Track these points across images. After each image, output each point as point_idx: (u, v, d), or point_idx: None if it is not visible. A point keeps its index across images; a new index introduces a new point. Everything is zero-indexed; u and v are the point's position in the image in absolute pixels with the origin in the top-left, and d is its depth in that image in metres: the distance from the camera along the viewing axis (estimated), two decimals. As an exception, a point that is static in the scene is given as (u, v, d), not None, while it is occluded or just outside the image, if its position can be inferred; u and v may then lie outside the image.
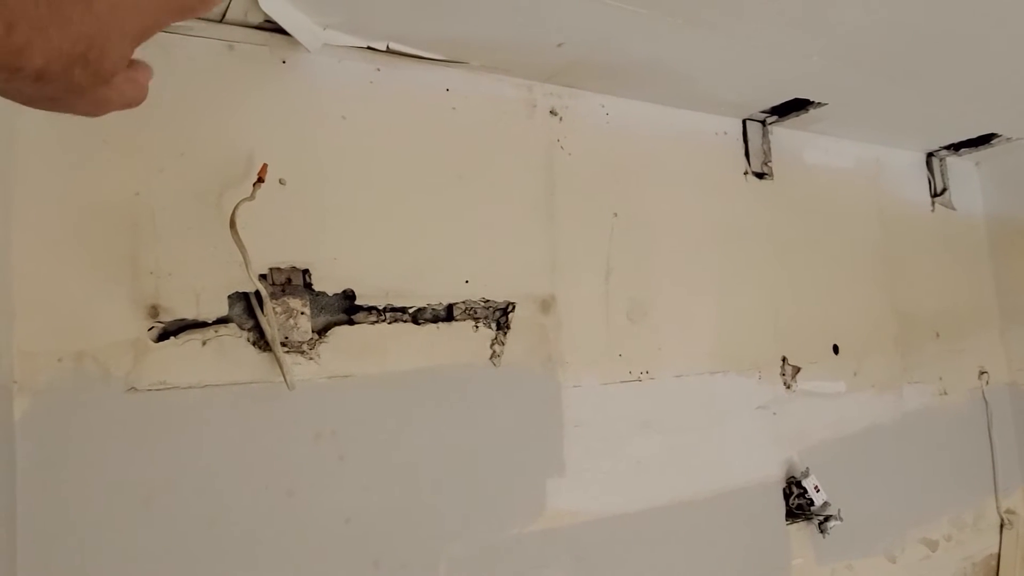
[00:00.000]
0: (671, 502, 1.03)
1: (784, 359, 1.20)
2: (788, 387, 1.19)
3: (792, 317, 1.22)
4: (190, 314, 0.73)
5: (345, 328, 0.82)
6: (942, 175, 1.54)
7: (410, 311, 0.86)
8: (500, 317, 0.93)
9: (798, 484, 1.15)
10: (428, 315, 0.88)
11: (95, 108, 0.35)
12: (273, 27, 0.77)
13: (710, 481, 1.08)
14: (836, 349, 1.28)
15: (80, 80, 0.32)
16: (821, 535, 1.17)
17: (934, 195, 1.52)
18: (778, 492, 1.15)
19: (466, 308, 0.90)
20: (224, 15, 0.75)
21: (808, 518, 1.16)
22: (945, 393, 1.45)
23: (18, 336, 0.65)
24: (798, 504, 1.15)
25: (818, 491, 1.14)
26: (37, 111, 0.66)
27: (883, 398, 1.34)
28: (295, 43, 0.78)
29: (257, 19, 0.76)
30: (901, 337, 1.39)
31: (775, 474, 1.15)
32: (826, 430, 1.23)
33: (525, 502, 0.91)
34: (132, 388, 0.69)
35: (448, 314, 0.89)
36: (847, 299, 1.32)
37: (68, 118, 0.64)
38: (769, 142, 1.24)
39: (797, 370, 1.21)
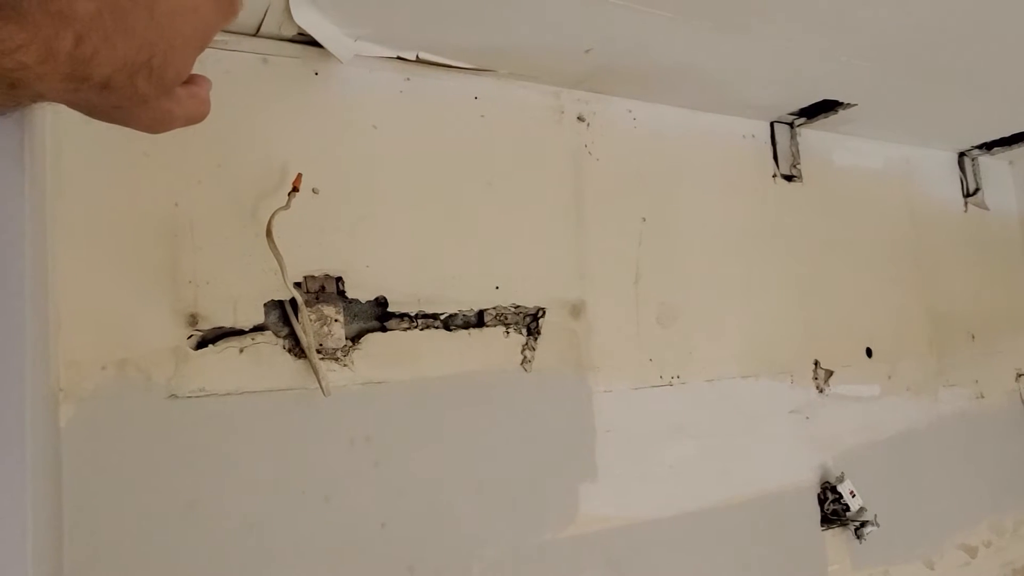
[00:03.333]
0: (704, 507, 1.02)
1: (816, 362, 1.19)
2: (821, 391, 1.18)
3: (824, 320, 1.21)
4: (227, 322, 0.74)
5: (378, 335, 0.83)
6: (975, 175, 1.51)
7: (441, 317, 0.87)
8: (530, 323, 0.93)
9: (833, 489, 1.13)
10: (459, 321, 0.88)
11: (158, 123, 0.36)
12: (306, 39, 0.78)
13: (743, 486, 1.07)
14: (869, 352, 1.26)
15: (144, 89, 0.33)
16: (857, 541, 1.15)
17: (967, 195, 1.49)
18: (812, 497, 1.14)
19: (497, 314, 0.91)
20: (259, 29, 0.76)
21: (844, 524, 1.14)
22: (982, 396, 1.42)
23: (63, 345, 0.66)
24: (833, 510, 1.13)
25: (854, 496, 1.12)
26: (82, 128, 0.68)
27: (918, 401, 1.32)
28: (327, 55, 0.80)
29: (291, 32, 0.77)
30: (935, 339, 1.37)
31: (809, 479, 1.14)
32: (860, 434, 1.22)
33: (558, 507, 0.91)
34: (173, 395, 0.71)
35: (479, 320, 0.89)
36: (879, 301, 1.30)
37: (112, 133, 0.66)
38: (797, 144, 1.23)
39: (830, 373, 1.19)
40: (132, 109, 0.34)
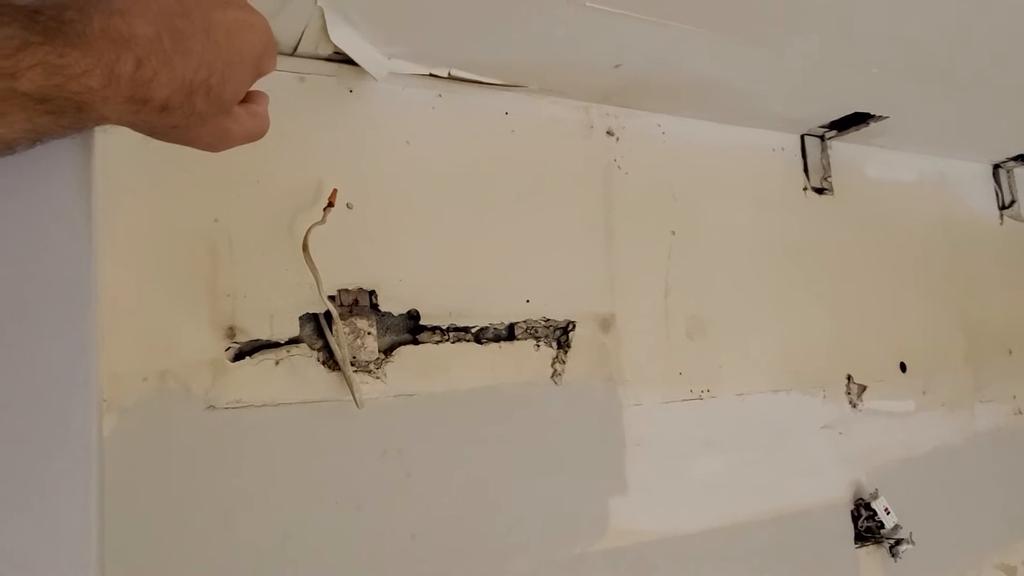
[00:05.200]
0: (736, 523, 1.01)
1: (849, 377, 1.17)
2: (854, 406, 1.17)
3: (856, 334, 1.20)
4: (264, 335, 0.76)
5: (410, 348, 0.84)
6: (1010, 187, 1.49)
7: (473, 331, 0.88)
8: (560, 336, 0.93)
9: (867, 506, 1.11)
10: (490, 334, 0.89)
11: (218, 141, 0.36)
12: (341, 58, 0.80)
13: (775, 502, 1.05)
14: (903, 367, 1.24)
15: (202, 108, 0.34)
16: (892, 559, 1.13)
17: (1002, 207, 1.47)
18: (846, 514, 1.12)
19: (527, 327, 0.91)
20: (296, 48, 0.78)
21: (878, 541, 1.13)
22: (1020, 412, 1.39)
23: (107, 356, 0.68)
24: (867, 527, 1.12)
25: (888, 513, 1.10)
26: (126, 146, 0.70)
27: (954, 417, 1.29)
28: (362, 73, 0.81)
29: (327, 51, 0.79)
30: (971, 354, 1.34)
31: (843, 495, 1.13)
32: (895, 450, 1.20)
33: (588, 520, 0.91)
34: (211, 406, 0.72)
35: (510, 333, 0.90)
36: (913, 315, 1.28)
37: (155, 150, 0.68)
38: (828, 157, 1.22)
39: (863, 388, 1.18)
40: (191, 128, 0.35)
